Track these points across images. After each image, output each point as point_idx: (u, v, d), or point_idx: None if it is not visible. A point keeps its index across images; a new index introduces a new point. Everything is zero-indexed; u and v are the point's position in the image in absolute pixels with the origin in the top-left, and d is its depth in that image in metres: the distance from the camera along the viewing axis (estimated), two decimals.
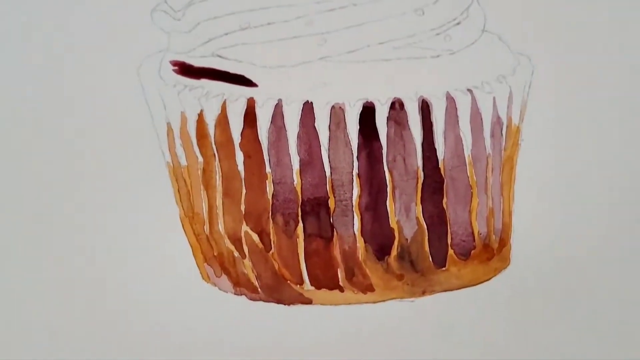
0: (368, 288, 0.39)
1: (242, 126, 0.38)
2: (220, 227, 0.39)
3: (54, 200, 0.41)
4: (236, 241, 0.39)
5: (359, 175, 0.38)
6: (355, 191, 0.38)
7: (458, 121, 0.38)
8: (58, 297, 0.41)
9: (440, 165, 0.39)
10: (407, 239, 0.39)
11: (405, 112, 0.37)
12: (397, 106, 0.37)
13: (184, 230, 0.41)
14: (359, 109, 0.37)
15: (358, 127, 0.37)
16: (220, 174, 0.39)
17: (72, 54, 0.41)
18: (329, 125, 0.37)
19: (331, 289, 0.39)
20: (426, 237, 0.39)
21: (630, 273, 0.41)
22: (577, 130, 0.42)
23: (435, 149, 0.38)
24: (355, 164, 0.38)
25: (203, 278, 0.41)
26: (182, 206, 0.40)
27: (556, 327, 0.41)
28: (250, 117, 0.37)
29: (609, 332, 0.41)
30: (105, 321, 0.40)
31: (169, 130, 0.39)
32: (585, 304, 0.41)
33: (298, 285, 0.39)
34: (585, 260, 0.42)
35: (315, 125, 0.37)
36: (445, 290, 0.40)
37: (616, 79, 0.42)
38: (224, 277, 0.40)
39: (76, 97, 0.41)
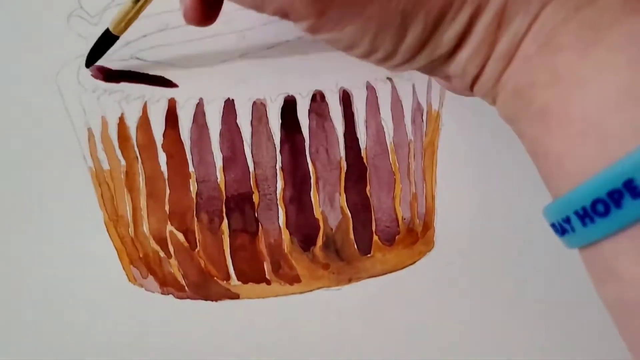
0: (295, 279, 0.48)
1: (164, 127, 0.45)
2: (145, 229, 0.47)
3: None
4: (161, 241, 0.47)
5: (282, 168, 0.46)
6: (279, 184, 0.46)
7: (379, 110, 0.47)
8: None
9: (363, 154, 0.47)
10: (332, 229, 0.47)
11: (327, 103, 0.46)
12: (318, 98, 0.46)
13: (109, 234, 0.47)
14: (280, 103, 0.46)
15: (280, 121, 0.46)
16: (144, 175, 0.46)
17: None
18: (251, 121, 0.45)
19: (258, 282, 0.47)
20: (351, 226, 0.48)
21: (548, 248, 0.47)
22: (495, 114, 0.43)
23: (357, 138, 0.47)
24: (279, 157, 0.46)
25: (129, 280, 0.47)
26: (106, 210, 0.47)
27: (481, 306, 0.49)
28: (171, 117, 0.45)
29: (533, 306, 0.49)
30: (31, 325, 0.47)
31: (90, 135, 0.46)
32: (509, 281, 0.49)
33: (225, 281, 0.47)
34: (507, 240, 0.49)
35: (237, 121, 0.45)
36: (371, 277, 0.48)
37: None
38: (151, 277, 0.47)
39: None
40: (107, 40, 0.43)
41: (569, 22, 0.31)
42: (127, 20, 0.41)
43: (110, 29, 0.42)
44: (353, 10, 0.32)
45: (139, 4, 0.41)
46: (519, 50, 0.33)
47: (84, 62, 0.45)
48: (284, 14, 0.33)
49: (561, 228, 0.31)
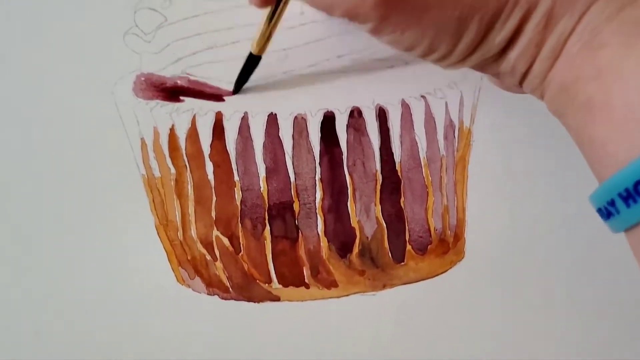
0: (332, 284, 0.49)
1: (211, 138, 0.48)
2: (193, 233, 0.49)
3: (38, 212, 0.49)
4: (208, 245, 0.49)
5: (321, 179, 0.48)
6: (318, 194, 0.48)
7: (413, 126, 0.49)
8: (40, 304, 0.49)
9: (397, 167, 0.49)
10: (367, 237, 0.49)
11: (364, 119, 0.48)
12: (355, 114, 0.48)
13: (159, 237, 0.49)
14: (320, 118, 0.48)
15: (320, 134, 0.48)
16: (192, 183, 0.48)
17: (50, 77, 0.49)
18: (293, 134, 0.48)
19: (298, 286, 0.49)
20: (385, 235, 0.49)
21: (576, 259, 0.50)
22: (523, 131, 0.51)
23: (392, 153, 0.49)
24: (318, 169, 0.48)
25: (178, 280, 0.49)
26: (156, 215, 0.49)
27: (510, 314, 0.50)
28: (218, 129, 0.48)
29: (561, 315, 0.50)
30: (88, 324, 0.49)
31: (143, 144, 0.49)
32: (536, 290, 0.50)
33: (267, 284, 0.49)
34: (534, 250, 0.50)
35: (280, 134, 0.48)
36: (405, 284, 0.50)
37: None
38: (197, 279, 0.49)
39: (56, 117, 0.49)
40: (251, 62, 0.46)
41: (611, 20, 0.33)
42: (266, 39, 0.45)
43: (253, 52, 0.45)
44: (413, 16, 0.34)
45: (272, 22, 0.44)
46: (564, 49, 0.35)
47: (137, 76, 0.48)
48: (351, 17, 0.35)
49: (607, 212, 0.33)
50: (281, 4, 0.44)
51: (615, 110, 0.32)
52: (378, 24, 0.35)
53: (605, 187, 0.32)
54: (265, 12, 0.44)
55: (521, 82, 0.38)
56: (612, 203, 0.32)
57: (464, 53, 0.37)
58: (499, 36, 0.35)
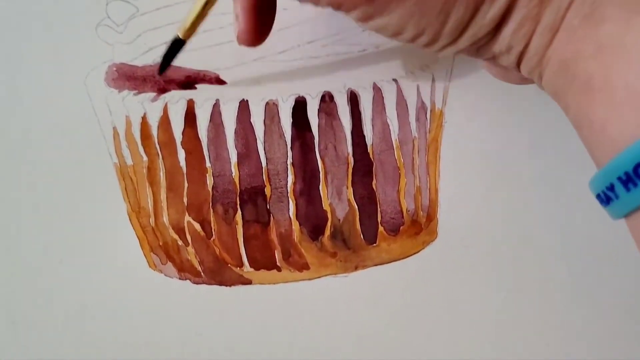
0: (304, 266, 0.53)
1: (183, 126, 0.51)
2: (165, 219, 0.52)
3: (12, 201, 0.53)
4: (180, 231, 0.52)
5: (293, 164, 0.52)
6: (290, 179, 0.52)
7: (385, 109, 0.52)
8: (14, 291, 0.53)
9: (369, 150, 0.52)
10: (339, 220, 0.53)
11: (335, 103, 0.51)
12: (327, 98, 0.51)
13: (131, 224, 0.53)
14: (291, 103, 0.51)
15: (291, 120, 0.51)
16: (164, 170, 0.52)
17: (23, 68, 0.52)
18: (264, 120, 0.51)
19: (269, 269, 0.53)
20: (357, 217, 0.53)
21: (549, 239, 0.54)
22: (495, 111, 0.54)
23: (364, 136, 0.52)
24: (289, 154, 0.51)
25: (150, 266, 0.53)
26: (129, 202, 0.52)
27: (481, 293, 0.54)
28: (190, 117, 0.51)
29: (534, 295, 0.54)
30: (61, 309, 0.53)
31: (115, 133, 0.52)
32: (507, 269, 0.54)
33: (238, 268, 0.53)
34: (506, 230, 0.54)
35: (251, 120, 0.51)
36: (377, 265, 0.54)
37: None
38: (169, 264, 0.53)
39: (29, 107, 0.52)
40: (176, 46, 0.48)
41: None
42: (194, 24, 0.47)
43: (180, 36, 0.47)
44: None
45: (206, 6, 0.45)
46: (563, 23, 0.35)
47: (109, 66, 0.51)
48: (337, 5, 0.37)
49: (606, 197, 0.34)
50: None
51: (616, 91, 0.32)
52: (365, 7, 0.36)
53: (605, 171, 0.33)
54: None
55: (519, 63, 0.38)
56: (611, 188, 0.33)
57: (453, 33, 0.37)
58: (490, 13, 0.36)
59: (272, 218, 0.53)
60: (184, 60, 0.50)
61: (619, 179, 0.33)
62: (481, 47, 0.38)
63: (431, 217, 0.55)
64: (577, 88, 0.35)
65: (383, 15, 0.37)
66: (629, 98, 0.32)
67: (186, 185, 0.52)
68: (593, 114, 0.34)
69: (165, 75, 0.51)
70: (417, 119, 0.54)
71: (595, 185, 0.35)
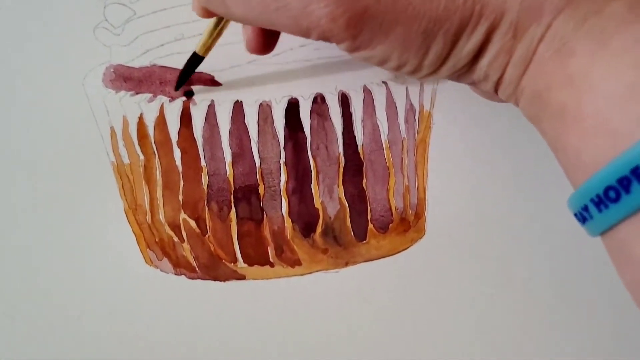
0: (296, 262, 0.54)
1: (178, 126, 0.52)
2: (161, 216, 0.53)
3: (12, 198, 0.54)
4: (175, 228, 0.53)
5: (285, 163, 0.53)
6: (283, 177, 0.53)
7: (375, 110, 0.54)
8: (13, 288, 0.54)
9: (360, 150, 0.53)
10: (330, 217, 0.54)
11: (327, 105, 0.53)
12: (319, 100, 0.53)
13: (128, 221, 0.54)
14: (284, 104, 0.52)
15: (284, 120, 0.53)
16: (160, 169, 0.53)
17: (23, 70, 0.54)
18: (258, 121, 0.52)
19: (262, 265, 0.54)
20: (348, 215, 0.54)
21: (535, 237, 0.55)
22: (481, 113, 0.56)
23: (354, 136, 0.53)
24: (282, 153, 0.53)
25: (146, 262, 0.54)
26: (125, 199, 0.54)
27: (468, 288, 0.55)
28: (186, 117, 0.52)
29: (520, 291, 0.55)
30: (59, 304, 0.54)
31: (112, 133, 0.53)
32: (493, 265, 0.55)
33: (232, 264, 0.54)
34: (493, 228, 0.55)
35: (245, 121, 0.52)
36: (367, 261, 0.55)
37: None
38: (165, 260, 0.54)
39: (28, 108, 0.54)
40: (194, 62, 0.51)
41: (578, 30, 0.35)
42: (211, 43, 0.49)
43: (197, 52, 0.50)
44: (380, 34, 0.38)
45: (219, 26, 0.48)
46: (535, 56, 0.37)
47: (106, 67, 0.53)
48: (326, 39, 0.39)
49: (582, 216, 0.36)
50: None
51: (586, 119, 0.34)
52: (351, 42, 0.39)
53: (579, 193, 0.35)
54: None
55: (496, 90, 0.41)
56: (585, 209, 0.35)
57: (434, 65, 0.40)
58: (467, 47, 0.38)
59: (265, 215, 0.54)
60: (180, 62, 0.51)
61: (592, 200, 0.35)
62: (461, 75, 0.41)
63: (419, 215, 0.56)
64: (550, 115, 0.37)
65: (367, 49, 0.39)
66: (599, 125, 0.34)
67: (182, 183, 0.54)
68: (566, 140, 0.36)
69: (161, 77, 0.52)
70: (406, 121, 0.55)
71: (572, 206, 0.37)
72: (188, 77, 0.52)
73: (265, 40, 0.48)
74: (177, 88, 0.52)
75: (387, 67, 0.41)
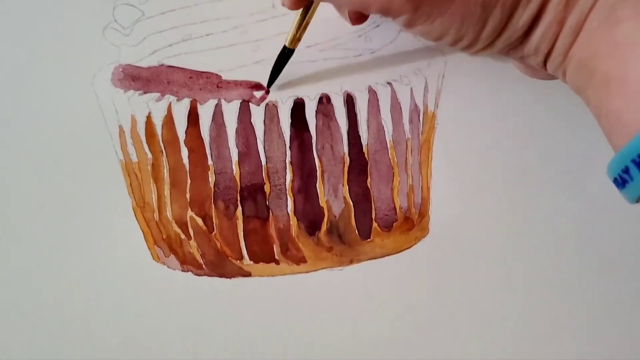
0: (301, 260, 0.55)
1: (186, 125, 0.53)
2: (168, 214, 0.54)
3: (22, 196, 0.55)
4: (182, 225, 0.54)
5: (291, 162, 0.54)
6: (289, 176, 0.54)
7: (379, 110, 0.54)
8: (22, 284, 0.55)
9: (365, 150, 0.54)
10: (335, 216, 0.54)
11: (332, 105, 0.53)
12: (324, 100, 0.53)
13: (136, 218, 0.55)
14: (290, 104, 0.53)
15: (290, 120, 0.53)
16: (168, 167, 0.53)
17: (33, 69, 0.55)
18: (264, 121, 0.53)
19: (268, 262, 0.55)
20: (352, 213, 0.55)
21: (537, 236, 0.56)
22: (485, 113, 0.56)
23: (359, 136, 0.54)
24: (288, 152, 0.53)
25: (153, 258, 0.55)
26: (134, 197, 0.54)
27: (471, 287, 0.55)
28: (193, 116, 0.53)
29: (521, 290, 0.55)
30: (69, 300, 0.55)
31: (121, 131, 0.54)
32: (496, 264, 0.55)
33: (238, 261, 0.54)
34: (495, 227, 0.56)
35: (252, 121, 0.53)
36: (371, 259, 0.55)
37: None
38: (172, 256, 0.54)
39: (38, 107, 0.55)
40: (284, 56, 0.52)
41: None
42: (299, 34, 0.50)
43: (287, 45, 0.51)
44: (441, 7, 0.39)
45: (307, 18, 0.49)
46: (584, 26, 0.39)
47: (115, 67, 0.54)
48: (386, 11, 0.40)
49: (622, 180, 0.37)
50: (312, 6, 0.49)
51: (630, 83, 0.36)
52: (410, 16, 0.39)
53: (620, 155, 0.36)
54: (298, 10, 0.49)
55: (545, 62, 0.42)
56: (626, 170, 0.36)
57: (490, 37, 0.41)
58: (522, 18, 0.40)
59: (271, 214, 0.55)
60: (188, 62, 0.53)
61: (633, 161, 0.36)
62: (512, 50, 0.42)
63: (423, 214, 0.56)
64: (596, 83, 0.38)
65: (426, 23, 0.40)
66: None
67: (189, 181, 0.54)
68: (610, 104, 0.37)
69: (169, 76, 0.53)
70: (411, 121, 0.56)
71: (612, 170, 0.38)
72: (280, 72, 0.53)
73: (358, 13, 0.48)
74: (269, 85, 0.54)
75: (444, 42, 0.42)
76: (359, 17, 0.49)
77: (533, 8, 0.40)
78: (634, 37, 0.36)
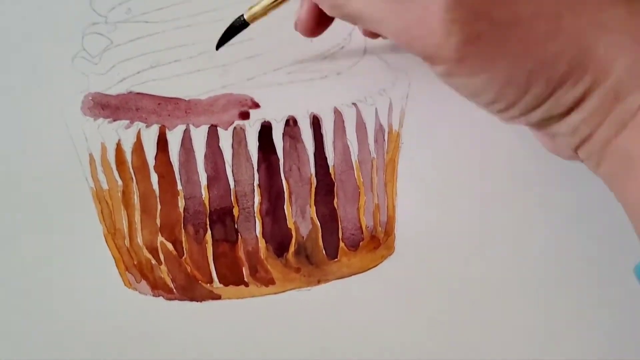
0: (270, 282, 0.55)
1: (155, 151, 0.53)
2: (139, 240, 0.54)
3: None
4: (153, 250, 0.54)
5: (259, 185, 0.54)
6: (257, 199, 0.54)
7: (345, 131, 0.55)
8: None
9: (331, 170, 0.55)
10: (303, 237, 0.55)
11: (299, 127, 0.54)
12: (291, 123, 0.54)
13: (107, 245, 0.55)
14: (257, 127, 0.54)
15: (257, 143, 0.54)
16: (138, 193, 0.54)
17: (3, 99, 0.55)
18: (232, 144, 0.54)
19: (237, 284, 0.55)
20: (320, 234, 0.55)
21: (502, 251, 0.56)
22: (449, 133, 0.57)
23: (325, 157, 0.54)
24: (256, 175, 0.54)
25: (125, 284, 0.55)
26: (104, 224, 0.54)
27: (436, 304, 0.56)
28: (162, 142, 0.53)
29: (488, 305, 0.56)
30: (39, 326, 0.55)
31: (91, 159, 0.54)
32: (461, 282, 0.56)
33: (208, 284, 0.55)
34: (459, 244, 0.56)
35: (220, 145, 0.53)
36: (338, 278, 0.56)
37: None
38: (143, 282, 0.55)
39: (8, 135, 0.55)
40: (237, 26, 0.52)
41: None
42: (262, 13, 0.50)
43: (246, 17, 0.50)
44: (488, 61, 0.38)
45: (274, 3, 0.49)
46: (634, 119, 0.38)
47: (85, 96, 0.54)
48: (432, 54, 0.39)
49: None
50: None
51: None
52: (454, 64, 0.38)
53: None
54: None
55: (579, 146, 0.41)
56: None
57: (528, 107, 0.40)
58: (566, 97, 0.39)
59: (239, 237, 0.55)
60: (156, 89, 0.53)
61: None
62: (548, 125, 0.41)
63: (389, 232, 0.57)
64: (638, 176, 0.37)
65: (467, 77, 0.39)
66: None
67: (159, 207, 0.55)
68: None
69: (137, 103, 0.53)
70: (376, 141, 0.56)
71: None
72: (227, 41, 0.53)
73: (318, 23, 0.48)
74: (217, 48, 0.53)
75: (480, 99, 0.41)
76: (317, 28, 0.49)
77: (579, 90, 0.39)
78: None
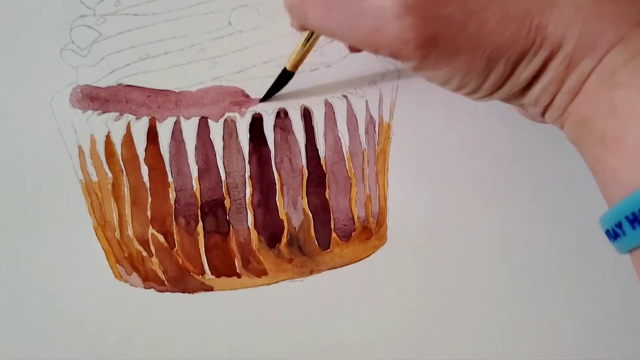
0: (262, 272, 0.55)
1: (145, 143, 0.53)
2: (130, 232, 0.54)
3: None
4: (144, 242, 0.54)
5: (250, 177, 0.54)
6: (248, 191, 0.54)
7: (336, 123, 0.55)
8: None
9: (322, 162, 0.55)
10: (295, 228, 0.55)
11: (290, 119, 0.54)
12: (282, 115, 0.54)
13: (97, 237, 0.54)
14: (248, 119, 0.54)
15: (248, 135, 0.54)
16: (128, 186, 0.54)
17: None
18: (223, 136, 0.54)
19: (230, 276, 0.55)
20: (312, 225, 0.55)
21: (494, 241, 0.56)
22: (439, 123, 0.57)
23: (317, 149, 0.55)
24: (247, 167, 0.54)
25: (116, 277, 0.55)
26: (94, 217, 0.54)
27: (429, 294, 0.56)
28: (152, 134, 0.53)
29: (480, 295, 0.56)
30: (29, 320, 0.54)
31: (81, 151, 0.54)
32: (453, 271, 0.56)
33: (200, 276, 0.54)
34: (453, 234, 0.56)
35: (211, 137, 0.53)
36: (331, 269, 0.56)
37: None
38: (134, 274, 0.54)
39: None
40: (284, 77, 0.53)
41: (627, 64, 0.38)
42: (300, 58, 0.52)
43: (287, 68, 0.52)
44: (446, 57, 0.40)
45: (309, 43, 0.50)
46: (584, 86, 0.40)
47: (73, 88, 0.54)
48: (395, 57, 0.41)
49: (614, 233, 0.39)
50: (314, 35, 0.50)
51: (627, 143, 0.37)
52: (418, 63, 0.41)
53: (614, 210, 0.38)
54: (304, 34, 0.50)
55: (543, 113, 0.44)
56: (619, 225, 0.38)
57: (491, 88, 0.42)
58: (524, 74, 0.41)
59: (231, 228, 0.55)
60: (145, 81, 0.53)
61: (627, 218, 0.37)
62: (513, 98, 0.44)
63: (381, 223, 0.57)
64: (593, 140, 0.40)
65: (432, 70, 0.42)
66: (638, 149, 0.37)
67: (149, 199, 0.55)
68: (606, 162, 0.39)
69: (127, 96, 0.53)
70: (366, 132, 0.57)
71: (605, 222, 0.40)
72: (276, 92, 0.55)
73: None
74: (263, 100, 0.55)
75: (447, 87, 0.44)
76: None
77: (535, 65, 0.41)
78: (633, 101, 0.38)
